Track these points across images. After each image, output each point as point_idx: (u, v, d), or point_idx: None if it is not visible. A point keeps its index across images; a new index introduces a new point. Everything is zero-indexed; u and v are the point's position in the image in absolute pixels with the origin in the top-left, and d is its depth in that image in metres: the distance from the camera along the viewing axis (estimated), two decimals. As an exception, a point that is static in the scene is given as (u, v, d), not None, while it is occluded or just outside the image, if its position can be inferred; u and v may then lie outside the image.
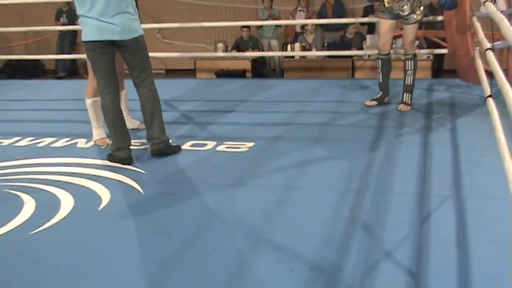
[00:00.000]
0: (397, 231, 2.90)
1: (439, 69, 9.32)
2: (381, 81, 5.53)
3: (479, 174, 3.63)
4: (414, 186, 3.48)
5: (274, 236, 2.93)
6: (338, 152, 4.19)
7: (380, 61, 5.48)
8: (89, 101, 4.57)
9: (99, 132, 4.65)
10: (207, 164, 4.12)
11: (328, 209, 3.22)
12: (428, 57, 8.72)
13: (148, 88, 4.20)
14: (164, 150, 4.29)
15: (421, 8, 5.10)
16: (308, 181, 3.69)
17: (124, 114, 4.37)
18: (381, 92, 5.54)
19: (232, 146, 4.43)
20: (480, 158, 3.89)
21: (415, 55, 5.34)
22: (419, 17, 5.13)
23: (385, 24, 5.28)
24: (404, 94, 5.36)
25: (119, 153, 4.17)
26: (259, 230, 3.03)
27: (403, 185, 3.51)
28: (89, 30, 3.97)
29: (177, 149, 4.38)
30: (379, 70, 5.51)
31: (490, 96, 3.44)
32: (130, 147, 4.23)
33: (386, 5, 5.14)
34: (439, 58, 9.05)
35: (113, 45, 4.02)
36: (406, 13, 5.09)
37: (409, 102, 5.33)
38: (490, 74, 3.57)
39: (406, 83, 5.35)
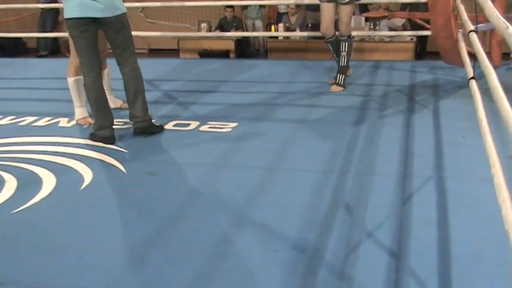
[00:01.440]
0: (378, 212, 2.92)
1: (422, 51, 9.34)
2: (336, 58, 5.60)
3: (461, 155, 3.66)
4: (396, 167, 3.50)
5: (257, 217, 2.94)
6: (321, 133, 4.20)
7: (329, 44, 5.56)
8: (70, 80, 4.53)
9: (81, 112, 4.62)
10: (190, 144, 4.11)
11: (310, 190, 3.23)
12: (412, 39, 8.73)
13: (132, 67, 4.17)
14: (147, 129, 4.27)
15: None
16: (291, 162, 3.70)
17: (107, 94, 4.35)
18: None
19: (216, 126, 4.42)
20: (462, 140, 3.92)
21: (349, 36, 5.43)
22: None
23: (324, 8, 5.33)
24: (338, 75, 5.45)
25: (101, 132, 4.14)
26: (243, 210, 3.04)
27: (385, 166, 3.53)
28: (72, 7, 3.92)
29: (160, 129, 4.36)
30: (331, 51, 5.61)
31: (472, 78, 3.46)
32: (113, 126, 4.20)
33: None
34: (422, 40, 9.06)
35: (95, 23, 3.98)
36: None
37: (341, 83, 5.41)
38: (473, 56, 3.59)
39: (340, 64, 5.44)
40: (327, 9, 5.34)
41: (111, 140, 4.14)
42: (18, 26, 11.53)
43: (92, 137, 4.19)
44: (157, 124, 4.41)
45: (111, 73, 4.87)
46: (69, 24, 3.98)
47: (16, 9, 9.26)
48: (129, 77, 4.19)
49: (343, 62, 5.42)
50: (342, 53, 5.40)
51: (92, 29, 3.99)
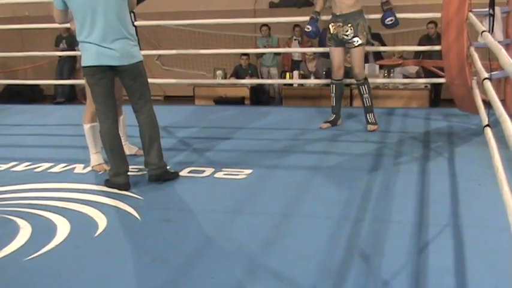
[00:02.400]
0: (394, 260, 2.88)
1: (437, 98, 9.37)
2: (333, 104, 5.84)
3: (477, 203, 3.62)
4: (412, 214, 3.47)
5: (272, 264, 2.91)
6: (336, 180, 4.18)
7: (334, 86, 5.78)
8: (86, 127, 4.58)
9: (97, 158, 4.65)
10: (204, 190, 4.11)
11: (326, 237, 3.20)
12: (426, 86, 8.78)
13: (147, 114, 4.20)
14: (161, 176, 4.28)
15: (364, 33, 5.44)
16: (306, 209, 3.68)
17: (122, 140, 4.39)
18: (334, 115, 5.83)
19: (230, 173, 4.43)
20: (478, 188, 3.89)
21: (365, 79, 5.65)
22: (363, 41, 5.45)
23: (334, 52, 5.64)
24: (368, 115, 5.65)
25: (116, 178, 4.16)
26: (257, 257, 3.01)
27: (401, 214, 3.50)
28: (89, 55, 3.99)
29: (174, 176, 4.37)
30: (333, 95, 5.82)
31: (487, 125, 3.45)
32: (128, 173, 4.22)
33: (331, 32, 5.54)
34: (436, 87, 9.11)
35: (112, 71, 4.04)
36: (349, 37, 5.43)
37: (373, 121, 5.61)
38: (488, 104, 3.59)
39: (366, 105, 5.65)
40: (336, 53, 5.62)
41: (125, 186, 4.15)
42: (36, 73, 11.77)
43: (107, 183, 4.21)
44: (172, 171, 4.42)
45: (127, 120, 4.91)
46: (86, 72, 4.05)
47: (33, 56, 9.44)
48: (145, 124, 4.22)
49: (367, 103, 5.63)
50: (364, 95, 5.61)
51: (108, 76, 4.04)
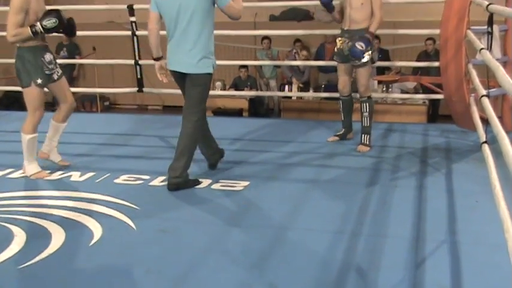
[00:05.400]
0: (391, 275, 2.87)
1: (435, 114, 9.39)
2: (342, 119, 5.75)
3: (474, 220, 3.62)
4: (409, 230, 3.46)
5: (268, 277, 2.90)
6: (333, 194, 4.18)
7: (341, 102, 5.71)
8: (27, 137, 4.57)
9: (35, 166, 4.66)
10: (201, 202, 4.10)
11: (322, 251, 3.19)
12: (424, 102, 8.80)
13: (190, 125, 4.35)
14: (179, 185, 4.30)
15: (370, 51, 5.25)
16: (303, 222, 3.67)
17: (51, 145, 4.76)
18: (343, 129, 5.76)
19: (227, 184, 4.42)
20: (475, 204, 3.89)
21: (369, 97, 5.50)
22: (367, 59, 5.28)
23: (340, 68, 5.56)
24: (363, 135, 5.46)
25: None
26: (253, 270, 3.00)
27: (398, 229, 3.49)
28: (168, 59, 4.39)
29: (195, 183, 4.40)
30: (341, 110, 5.74)
31: (485, 142, 3.46)
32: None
33: (338, 47, 5.46)
34: (434, 103, 9.13)
35: (182, 76, 4.35)
36: None
37: (367, 143, 5.43)
38: (485, 121, 3.60)
39: (364, 124, 5.47)
40: (343, 70, 5.52)
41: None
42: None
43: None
44: (193, 179, 4.43)
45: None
46: (170, 73, 4.45)
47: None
48: (184, 133, 4.37)
49: (366, 123, 5.45)
50: (364, 114, 5.45)
51: (180, 81, 4.41)
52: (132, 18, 6.81)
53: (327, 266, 3.01)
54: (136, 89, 7.13)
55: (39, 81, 4.52)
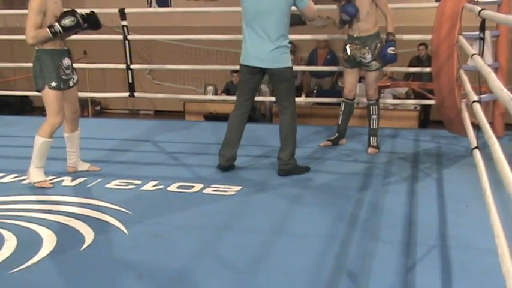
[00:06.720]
0: (382, 280, 2.88)
1: (426, 119, 9.43)
2: (339, 123, 5.76)
3: (465, 224, 3.64)
4: (400, 235, 3.47)
5: (259, 282, 2.90)
6: (325, 199, 4.19)
7: (344, 104, 5.72)
8: (41, 140, 4.50)
9: (41, 174, 4.56)
10: (193, 206, 4.10)
11: (313, 255, 3.20)
12: (416, 107, 8.83)
13: (286, 116, 4.74)
14: (289, 171, 4.70)
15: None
16: (294, 227, 3.67)
17: (74, 155, 4.77)
18: (337, 134, 5.79)
19: (219, 189, 4.42)
20: (466, 209, 3.91)
21: (377, 100, 5.59)
22: (380, 65, 5.40)
23: (349, 73, 5.59)
24: (371, 138, 5.53)
25: (220, 158, 4.85)
26: (244, 275, 3.00)
27: (389, 234, 3.50)
28: (244, 54, 4.66)
29: (304, 170, 4.78)
30: (341, 112, 5.75)
31: (476, 147, 3.47)
32: (228, 160, 4.84)
33: (349, 53, 5.44)
34: (426, 109, 9.17)
35: (261, 72, 4.67)
36: (367, 60, 5.35)
37: (375, 145, 5.50)
38: (477, 126, 3.61)
39: (372, 127, 5.55)
40: (351, 75, 5.58)
41: (223, 167, 4.82)
42: (26, 84, 11.71)
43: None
44: (303, 166, 4.81)
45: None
46: (241, 68, 4.76)
47: (25, 67, 9.41)
48: (283, 124, 4.76)
49: (374, 125, 5.54)
50: (373, 116, 5.54)
51: (256, 75, 4.73)
52: (124, 22, 6.80)
53: (318, 270, 3.02)
54: (127, 93, 7.13)
55: (53, 84, 4.42)
